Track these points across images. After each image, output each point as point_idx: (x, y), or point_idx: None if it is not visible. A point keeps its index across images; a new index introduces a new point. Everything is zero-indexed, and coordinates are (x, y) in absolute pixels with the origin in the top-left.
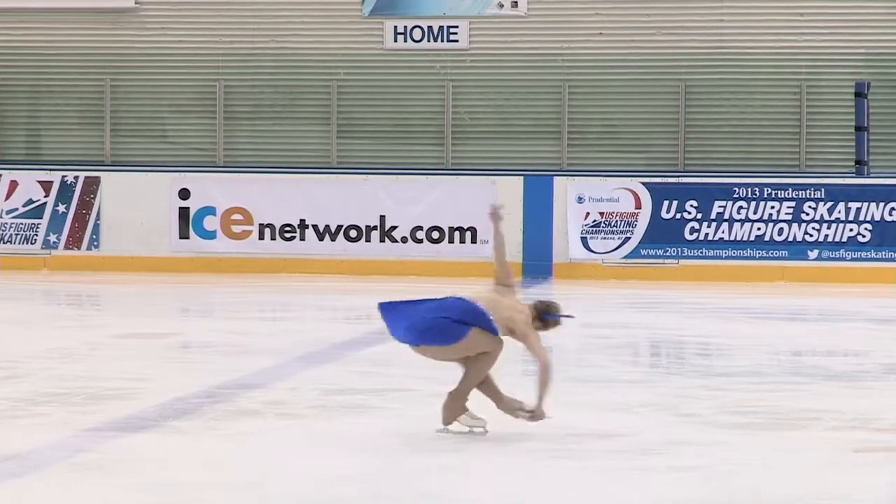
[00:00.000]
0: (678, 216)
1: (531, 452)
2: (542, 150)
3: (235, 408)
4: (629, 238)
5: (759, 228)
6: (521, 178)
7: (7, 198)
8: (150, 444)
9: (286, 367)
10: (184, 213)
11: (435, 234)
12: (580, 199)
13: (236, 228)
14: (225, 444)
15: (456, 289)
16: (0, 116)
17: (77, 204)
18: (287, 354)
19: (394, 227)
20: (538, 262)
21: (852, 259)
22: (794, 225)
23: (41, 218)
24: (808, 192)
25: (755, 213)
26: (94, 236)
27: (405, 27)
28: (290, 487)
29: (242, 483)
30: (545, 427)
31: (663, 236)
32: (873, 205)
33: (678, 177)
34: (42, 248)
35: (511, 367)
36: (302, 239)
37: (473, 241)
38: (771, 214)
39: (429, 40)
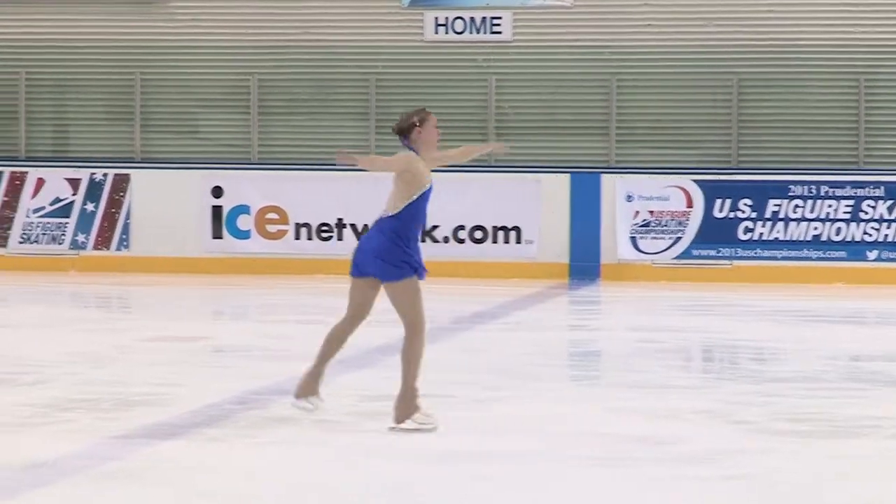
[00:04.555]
0: (731, 215)
1: (576, 459)
2: (589, 147)
3: (269, 414)
4: (680, 238)
5: (815, 228)
6: (568, 175)
7: (34, 196)
8: (181, 453)
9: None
10: (217, 212)
11: (478, 234)
12: (629, 198)
13: (271, 228)
14: (258, 452)
15: (499, 290)
16: (26, 112)
17: (106, 202)
18: None
19: (435, 227)
20: (586, 263)
21: None
22: (853, 224)
23: (69, 217)
24: (866, 189)
25: (812, 211)
26: (124, 236)
27: (446, 18)
28: (325, 497)
29: (275, 493)
30: (592, 434)
31: (716, 236)
32: None
33: (731, 174)
34: (70, 248)
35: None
36: (339, 239)
37: (518, 241)
38: (828, 213)
39: (471, 32)
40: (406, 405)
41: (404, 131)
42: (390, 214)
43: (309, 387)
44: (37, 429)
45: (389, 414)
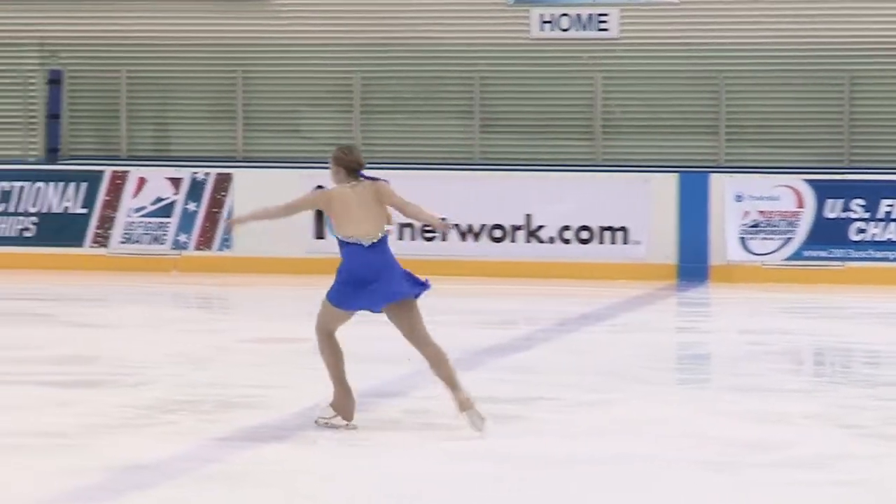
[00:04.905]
0: (843, 215)
1: (683, 463)
2: (697, 146)
3: (374, 417)
4: (791, 239)
5: None
6: (676, 175)
7: (135, 195)
8: (284, 455)
9: (425, 374)
10: (319, 211)
11: (584, 235)
12: (739, 198)
13: None
14: (363, 454)
15: (606, 292)
16: (128, 110)
17: (208, 202)
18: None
19: (540, 227)
20: (694, 264)
21: None
22: None
23: (170, 217)
24: None
25: None
26: (226, 236)
27: (552, 15)
28: (435, 500)
29: (384, 497)
30: (699, 437)
31: (827, 237)
32: None
33: (843, 173)
34: (171, 248)
35: None
36: (443, 239)
37: (625, 241)
38: None
39: (577, 29)
40: (465, 395)
41: (363, 166)
42: (381, 237)
43: (348, 408)
44: (139, 430)
45: (500, 416)
